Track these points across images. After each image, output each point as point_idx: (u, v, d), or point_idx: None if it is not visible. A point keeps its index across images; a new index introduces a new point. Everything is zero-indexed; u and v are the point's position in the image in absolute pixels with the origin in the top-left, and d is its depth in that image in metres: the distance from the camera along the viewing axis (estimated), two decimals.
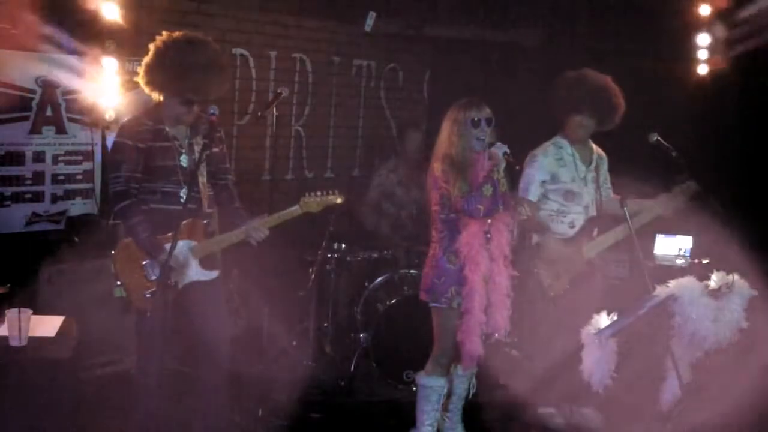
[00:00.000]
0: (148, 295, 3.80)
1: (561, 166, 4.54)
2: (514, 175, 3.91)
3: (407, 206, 5.89)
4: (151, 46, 3.80)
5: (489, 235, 3.99)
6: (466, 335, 3.98)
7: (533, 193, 4.51)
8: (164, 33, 3.83)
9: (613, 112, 4.52)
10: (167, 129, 3.87)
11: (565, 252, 4.46)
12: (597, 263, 4.60)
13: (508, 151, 3.84)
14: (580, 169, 4.58)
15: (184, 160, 3.89)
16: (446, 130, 4.02)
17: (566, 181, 4.54)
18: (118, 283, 3.85)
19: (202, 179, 3.93)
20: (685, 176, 4.48)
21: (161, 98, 3.88)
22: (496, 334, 4.10)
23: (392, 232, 5.85)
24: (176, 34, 3.84)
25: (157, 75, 3.78)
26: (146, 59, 3.80)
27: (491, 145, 3.89)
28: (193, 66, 3.72)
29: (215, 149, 4.00)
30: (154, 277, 3.80)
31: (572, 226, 4.55)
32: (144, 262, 3.83)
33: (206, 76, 3.76)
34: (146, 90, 3.86)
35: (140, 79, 3.84)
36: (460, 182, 3.90)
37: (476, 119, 3.95)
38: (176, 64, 3.72)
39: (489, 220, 3.97)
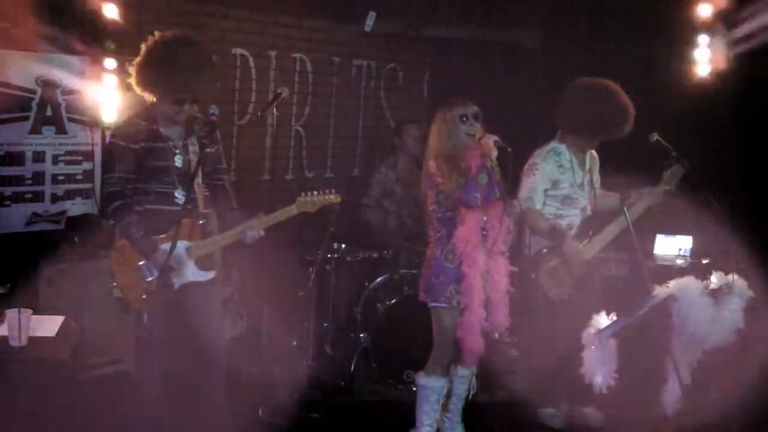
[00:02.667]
0: (144, 297, 3.79)
1: (561, 173, 4.51)
2: (506, 160, 3.88)
3: (406, 204, 5.88)
4: (143, 46, 3.80)
5: (485, 232, 3.99)
6: (467, 331, 3.97)
7: (538, 202, 4.48)
8: (156, 33, 3.83)
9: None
10: (161, 129, 3.87)
11: (584, 258, 4.44)
12: (595, 263, 4.60)
13: (498, 138, 3.85)
14: (577, 175, 4.56)
15: (178, 161, 3.88)
16: (435, 131, 4.04)
17: (565, 187, 4.52)
18: (115, 284, 3.85)
19: (198, 179, 3.93)
20: (672, 161, 4.47)
21: (155, 99, 3.87)
22: (497, 334, 4.10)
23: (395, 230, 5.84)
24: (167, 33, 3.83)
25: (147, 74, 3.77)
26: (137, 59, 3.80)
27: (480, 139, 3.90)
28: (181, 65, 3.71)
29: (211, 149, 3.99)
30: (150, 278, 3.79)
31: (570, 228, 4.54)
32: (140, 264, 3.82)
33: (196, 74, 3.75)
34: (137, 90, 3.85)
35: (132, 80, 3.84)
36: (456, 175, 3.90)
37: (464, 116, 3.96)
38: (165, 63, 3.71)
39: (485, 217, 3.97)
